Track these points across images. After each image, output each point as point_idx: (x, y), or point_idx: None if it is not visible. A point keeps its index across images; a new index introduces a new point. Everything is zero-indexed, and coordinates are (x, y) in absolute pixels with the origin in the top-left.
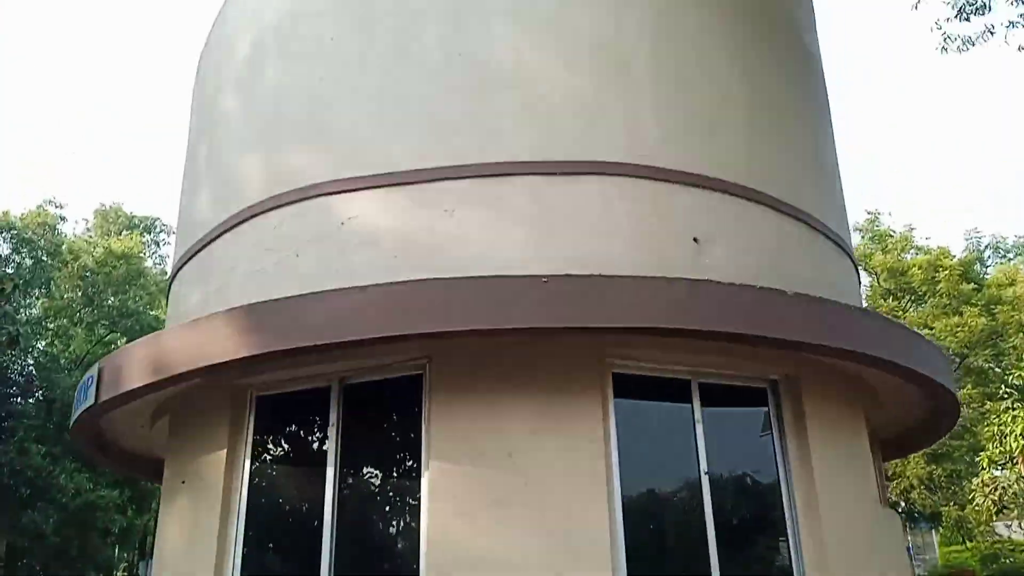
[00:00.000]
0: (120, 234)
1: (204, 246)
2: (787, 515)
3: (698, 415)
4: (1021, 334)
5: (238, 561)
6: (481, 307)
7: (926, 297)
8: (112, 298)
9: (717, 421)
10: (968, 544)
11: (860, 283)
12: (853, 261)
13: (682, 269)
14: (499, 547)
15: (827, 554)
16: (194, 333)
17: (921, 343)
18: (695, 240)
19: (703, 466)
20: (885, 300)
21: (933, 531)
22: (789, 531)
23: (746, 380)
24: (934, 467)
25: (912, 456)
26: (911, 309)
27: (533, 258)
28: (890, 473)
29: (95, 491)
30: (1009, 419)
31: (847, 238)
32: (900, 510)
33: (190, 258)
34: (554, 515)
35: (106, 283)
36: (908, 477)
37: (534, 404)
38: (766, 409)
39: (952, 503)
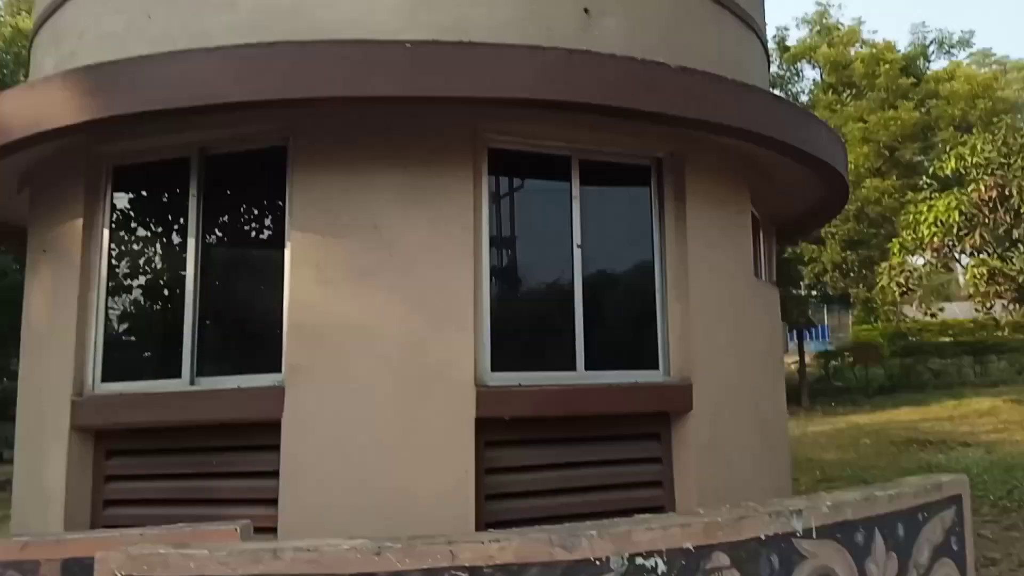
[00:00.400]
0: (31, 13)
1: (56, 8)
2: (657, 288)
3: (575, 192)
4: (951, 128)
5: (100, 328)
6: (340, 73)
7: (866, 91)
8: (23, 79)
9: (595, 199)
10: (879, 324)
11: (769, 64)
12: (762, 42)
13: (571, 42)
14: (362, 314)
15: (692, 325)
16: (31, 96)
17: (813, 124)
18: (585, 11)
19: (576, 239)
20: (826, 94)
21: (849, 312)
22: (658, 304)
23: (629, 158)
24: (849, 253)
25: (829, 243)
26: (851, 103)
27: (408, 25)
28: (806, 259)
29: (22, 272)
30: (925, 208)
31: (759, 18)
32: (816, 292)
33: (44, 22)
34: (419, 285)
35: (16, 63)
36: (823, 262)
37: (403, 177)
38: (647, 188)
39: (861, 285)
